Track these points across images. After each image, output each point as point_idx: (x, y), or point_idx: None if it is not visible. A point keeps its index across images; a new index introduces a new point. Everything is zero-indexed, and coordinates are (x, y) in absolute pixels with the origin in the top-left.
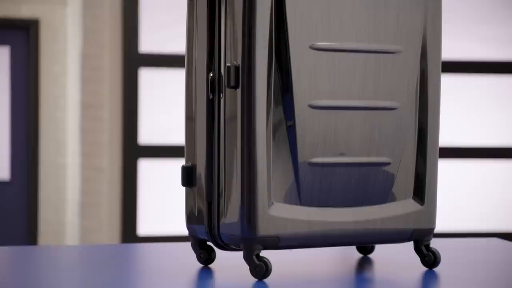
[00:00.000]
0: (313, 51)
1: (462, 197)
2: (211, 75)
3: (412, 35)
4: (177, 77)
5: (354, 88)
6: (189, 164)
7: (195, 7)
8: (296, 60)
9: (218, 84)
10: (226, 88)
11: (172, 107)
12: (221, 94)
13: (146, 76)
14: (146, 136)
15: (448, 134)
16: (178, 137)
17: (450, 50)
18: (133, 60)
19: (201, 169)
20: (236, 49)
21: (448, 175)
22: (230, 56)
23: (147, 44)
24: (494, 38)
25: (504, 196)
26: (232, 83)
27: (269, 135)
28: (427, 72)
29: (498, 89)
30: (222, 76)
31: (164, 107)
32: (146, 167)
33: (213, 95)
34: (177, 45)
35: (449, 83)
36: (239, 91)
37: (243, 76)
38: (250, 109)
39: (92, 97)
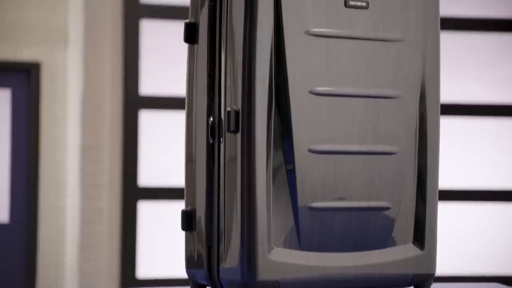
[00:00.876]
0: (312, 96)
1: (462, 240)
2: (211, 119)
3: (411, 80)
4: (177, 118)
5: (353, 132)
6: (189, 208)
7: (196, 51)
8: (295, 105)
9: (218, 128)
10: (226, 132)
11: (172, 148)
12: (221, 139)
13: (147, 118)
14: (146, 177)
15: (448, 177)
16: (178, 179)
17: (449, 93)
18: (134, 102)
19: (200, 213)
20: (236, 94)
21: (448, 218)
22: (230, 101)
23: (147, 86)
24: (493, 80)
25: (504, 240)
26: (232, 127)
27: (269, 179)
28: (426, 116)
29: (497, 131)
30: (222, 121)
31: (164, 148)
32: (145, 209)
33: (213, 140)
34: (178, 87)
35: (448, 125)
36: (239, 135)
37: (243, 120)
38: (250, 153)
39: (92, 139)
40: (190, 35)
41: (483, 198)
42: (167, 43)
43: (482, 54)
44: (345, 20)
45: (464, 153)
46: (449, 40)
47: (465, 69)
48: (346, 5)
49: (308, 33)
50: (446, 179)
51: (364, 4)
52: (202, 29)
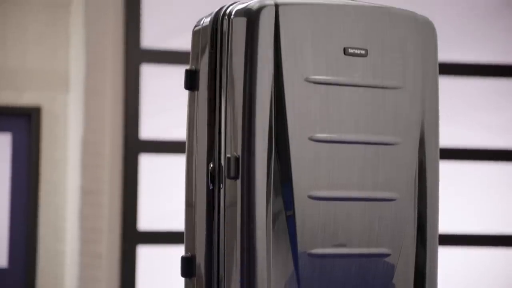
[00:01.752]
0: (312, 142)
1: (462, 285)
2: (211, 165)
3: (410, 126)
4: (177, 162)
5: (353, 179)
6: (189, 254)
7: (196, 98)
8: (295, 151)
9: (218, 175)
10: (226, 178)
11: (172, 192)
12: (221, 185)
13: (147, 162)
14: (145, 222)
15: (448, 221)
16: (178, 223)
17: (449, 137)
18: (134, 146)
19: (200, 259)
20: (236, 140)
21: (449, 262)
22: (230, 147)
23: (147, 130)
24: (492, 125)
25: (505, 285)
26: (232, 174)
27: (268, 225)
28: (426, 161)
29: (497, 176)
30: (222, 167)
31: (164, 192)
32: (145, 253)
33: (213, 186)
34: (178, 132)
35: (447, 169)
36: (239, 181)
37: (243, 167)
38: (250, 199)
39: (92, 183)
40: (191, 82)
41: (484, 243)
42: (168, 88)
43: (481, 99)
44: (344, 67)
45: (463, 197)
46: (448, 85)
47: (464, 113)
48: (345, 52)
49: (308, 80)
50: (446, 224)
51: (363, 52)
52: (202, 76)
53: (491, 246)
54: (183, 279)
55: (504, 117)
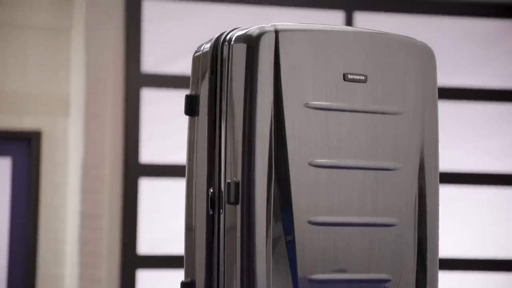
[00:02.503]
0: (312, 168)
1: None
2: (211, 190)
3: (410, 152)
4: (177, 186)
5: (353, 204)
6: (188, 280)
7: (196, 123)
8: (295, 177)
9: (218, 200)
10: (226, 203)
11: (172, 216)
12: (221, 210)
13: (146, 186)
14: (145, 246)
15: (448, 246)
16: (177, 247)
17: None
18: (134, 170)
19: (200, 285)
20: (236, 165)
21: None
22: (230, 172)
23: (147, 154)
24: (492, 150)
25: None
26: (232, 199)
27: (268, 251)
28: (425, 186)
29: (497, 200)
30: (222, 192)
31: (164, 216)
32: (144, 277)
33: (213, 211)
34: (178, 155)
35: (447, 194)
36: (239, 206)
37: (243, 192)
38: (249, 224)
39: (92, 207)
40: (191, 108)
41: (484, 268)
42: (168, 112)
43: (481, 123)
44: (344, 93)
45: (464, 222)
46: (448, 110)
47: (464, 138)
48: (345, 78)
49: (308, 105)
50: (447, 248)
51: (362, 77)
52: (202, 101)
53: (491, 271)
54: None
55: (504, 141)
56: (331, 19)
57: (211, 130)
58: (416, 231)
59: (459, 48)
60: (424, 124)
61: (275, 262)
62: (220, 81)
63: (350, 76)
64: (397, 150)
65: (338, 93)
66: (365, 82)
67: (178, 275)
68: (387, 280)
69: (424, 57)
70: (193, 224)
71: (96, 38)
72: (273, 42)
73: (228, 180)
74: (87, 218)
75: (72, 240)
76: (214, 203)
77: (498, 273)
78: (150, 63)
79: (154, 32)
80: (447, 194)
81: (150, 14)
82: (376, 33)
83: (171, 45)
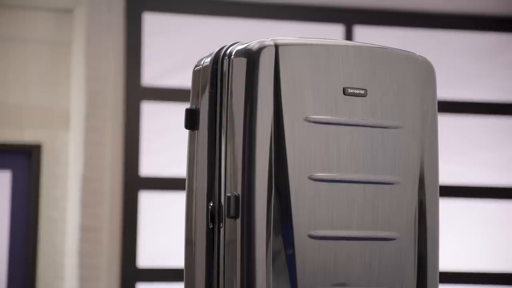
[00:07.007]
0: (312, 181)
1: None
2: (211, 204)
3: (409, 165)
4: (177, 199)
5: (353, 218)
6: None
7: (196, 136)
8: (295, 191)
9: (218, 214)
10: (226, 217)
11: (172, 229)
12: (221, 224)
13: (146, 199)
14: (145, 259)
15: (449, 259)
16: (177, 261)
17: (448, 175)
18: (134, 183)
19: None
20: (236, 179)
21: None
22: (230, 186)
23: (147, 167)
24: (491, 163)
25: None
26: (232, 213)
27: (268, 264)
28: (425, 200)
29: (497, 213)
30: (222, 206)
31: (164, 229)
32: None
33: (213, 225)
34: (177, 169)
35: (447, 207)
36: (239, 220)
37: (243, 206)
38: (249, 238)
39: (91, 220)
40: (191, 122)
41: (484, 281)
42: (168, 125)
43: (481, 137)
44: (343, 107)
45: (464, 235)
46: (448, 123)
47: (464, 151)
48: (344, 92)
49: (308, 119)
50: (447, 261)
51: (362, 92)
52: (202, 115)
53: (491, 284)
54: None
55: (504, 154)
56: (331, 33)
57: (211, 144)
58: (416, 245)
59: (459, 61)
60: (424, 138)
61: (275, 276)
62: (220, 95)
63: (350, 90)
64: (397, 164)
65: (338, 107)
66: (365, 96)
67: None
68: None
69: (424, 71)
70: (193, 237)
71: (96, 51)
72: (273, 56)
73: (228, 194)
74: (87, 231)
75: (72, 253)
76: (214, 216)
77: (498, 287)
78: (150, 77)
79: (154, 46)
80: (447, 207)
81: (150, 27)
82: (375, 47)
83: (171, 58)
